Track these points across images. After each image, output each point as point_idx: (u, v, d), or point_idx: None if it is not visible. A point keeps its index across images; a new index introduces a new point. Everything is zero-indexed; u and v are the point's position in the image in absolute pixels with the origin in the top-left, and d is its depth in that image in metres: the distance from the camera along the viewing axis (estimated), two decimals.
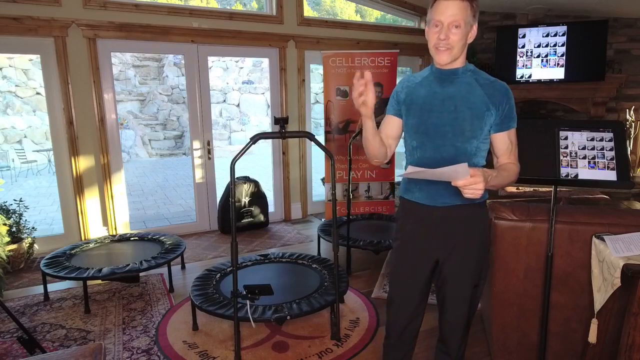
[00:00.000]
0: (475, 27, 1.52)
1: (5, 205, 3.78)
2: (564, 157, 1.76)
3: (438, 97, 1.57)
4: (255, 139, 2.27)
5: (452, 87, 1.56)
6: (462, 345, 1.77)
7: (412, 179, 1.64)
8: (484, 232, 1.67)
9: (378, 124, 1.62)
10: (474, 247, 1.64)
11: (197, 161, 4.74)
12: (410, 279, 1.70)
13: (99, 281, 3.37)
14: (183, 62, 4.73)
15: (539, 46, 4.91)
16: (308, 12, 5.89)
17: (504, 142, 1.58)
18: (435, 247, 1.65)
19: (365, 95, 1.39)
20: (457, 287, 1.66)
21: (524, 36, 4.94)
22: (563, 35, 4.79)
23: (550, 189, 1.86)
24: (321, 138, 3.91)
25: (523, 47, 4.96)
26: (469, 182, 1.33)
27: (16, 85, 13.05)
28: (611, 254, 1.68)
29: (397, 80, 4.81)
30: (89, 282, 3.24)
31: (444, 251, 1.64)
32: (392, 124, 1.70)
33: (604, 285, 1.75)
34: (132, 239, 3.71)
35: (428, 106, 1.57)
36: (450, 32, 1.46)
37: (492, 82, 1.58)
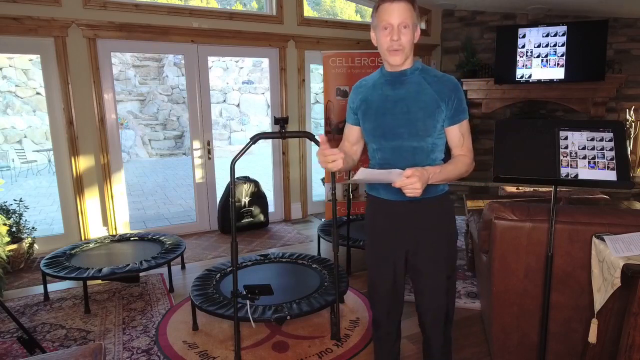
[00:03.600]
0: (419, 28, 1.60)
1: (5, 205, 3.78)
2: (564, 157, 1.76)
3: (390, 100, 1.62)
4: (255, 139, 2.27)
5: (403, 88, 1.61)
6: (445, 343, 1.78)
7: None
8: (449, 223, 1.72)
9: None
10: (441, 238, 1.69)
11: (197, 161, 4.74)
12: (384, 272, 1.76)
13: (99, 281, 3.37)
14: (183, 62, 4.73)
15: (539, 46, 4.91)
16: (308, 12, 5.89)
17: (455, 135, 1.64)
18: (403, 239, 1.70)
19: (335, 161, 1.50)
20: (430, 278, 1.71)
21: (524, 36, 4.93)
22: (563, 35, 4.79)
23: (550, 189, 1.85)
24: None
25: (523, 47, 4.96)
26: (405, 182, 1.41)
27: (16, 85, 13.04)
28: (611, 254, 1.68)
29: None
30: (89, 282, 3.24)
31: (412, 243, 1.69)
32: (354, 132, 1.80)
33: (604, 285, 1.75)
34: (132, 239, 3.71)
35: (382, 109, 1.63)
36: (401, 33, 1.52)
37: (440, 78, 1.62)
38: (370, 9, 1.78)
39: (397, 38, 1.51)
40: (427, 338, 1.79)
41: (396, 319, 1.85)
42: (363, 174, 1.47)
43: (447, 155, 1.70)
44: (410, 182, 1.41)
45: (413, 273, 1.74)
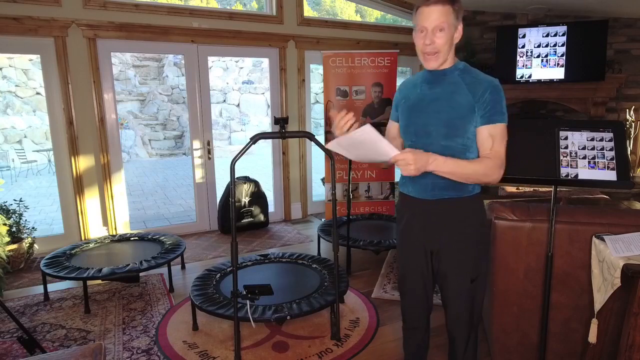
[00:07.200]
0: (460, 28, 1.58)
1: (5, 205, 3.78)
2: (564, 157, 1.76)
3: (426, 99, 1.63)
4: (255, 139, 2.27)
5: (439, 87, 1.62)
6: (470, 346, 1.77)
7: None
8: (478, 226, 1.68)
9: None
10: (467, 241, 1.66)
11: (197, 161, 4.74)
12: (411, 269, 1.78)
13: (99, 281, 3.37)
14: (183, 62, 4.73)
15: (539, 46, 4.91)
16: (308, 12, 5.89)
17: (483, 136, 1.56)
18: (427, 238, 1.69)
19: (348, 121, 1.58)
20: (455, 281, 1.69)
21: (524, 36, 4.93)
22: (563, 35, 4.79)
23: (550, 189, 1.85)
24: (321, 138, 3.91)
25: (523, 47, 4.96)
26: (398, 158, 1.45)
27: (16, 85, 13.05)
28: (611, 254, 1.68)
29: (397, 80, 4.82)
30: (89, 282, 3.24)
31: (436, 243, 1.68)
32: (393, 128, 1.83)
33: (604, 285, 1.75)
34: (132, 239, 3.71)
35: (417, 108, 1.65)
36: (435, 36, 1.52)
37: (479, 80, 1.58)
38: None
39: (429, 42, 1.52)
40: (451, 337, 1.79)
41: (423, 315, 1.84)
42: (337, 143, 1.54)
43: None
44: (403, 157, 1.44)
45: (438, 276, 1.74)
